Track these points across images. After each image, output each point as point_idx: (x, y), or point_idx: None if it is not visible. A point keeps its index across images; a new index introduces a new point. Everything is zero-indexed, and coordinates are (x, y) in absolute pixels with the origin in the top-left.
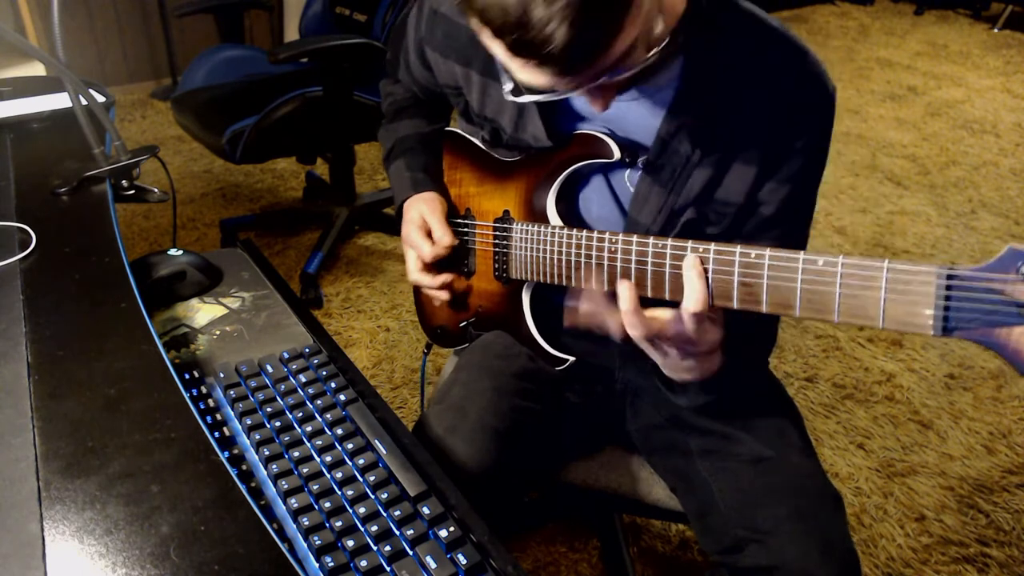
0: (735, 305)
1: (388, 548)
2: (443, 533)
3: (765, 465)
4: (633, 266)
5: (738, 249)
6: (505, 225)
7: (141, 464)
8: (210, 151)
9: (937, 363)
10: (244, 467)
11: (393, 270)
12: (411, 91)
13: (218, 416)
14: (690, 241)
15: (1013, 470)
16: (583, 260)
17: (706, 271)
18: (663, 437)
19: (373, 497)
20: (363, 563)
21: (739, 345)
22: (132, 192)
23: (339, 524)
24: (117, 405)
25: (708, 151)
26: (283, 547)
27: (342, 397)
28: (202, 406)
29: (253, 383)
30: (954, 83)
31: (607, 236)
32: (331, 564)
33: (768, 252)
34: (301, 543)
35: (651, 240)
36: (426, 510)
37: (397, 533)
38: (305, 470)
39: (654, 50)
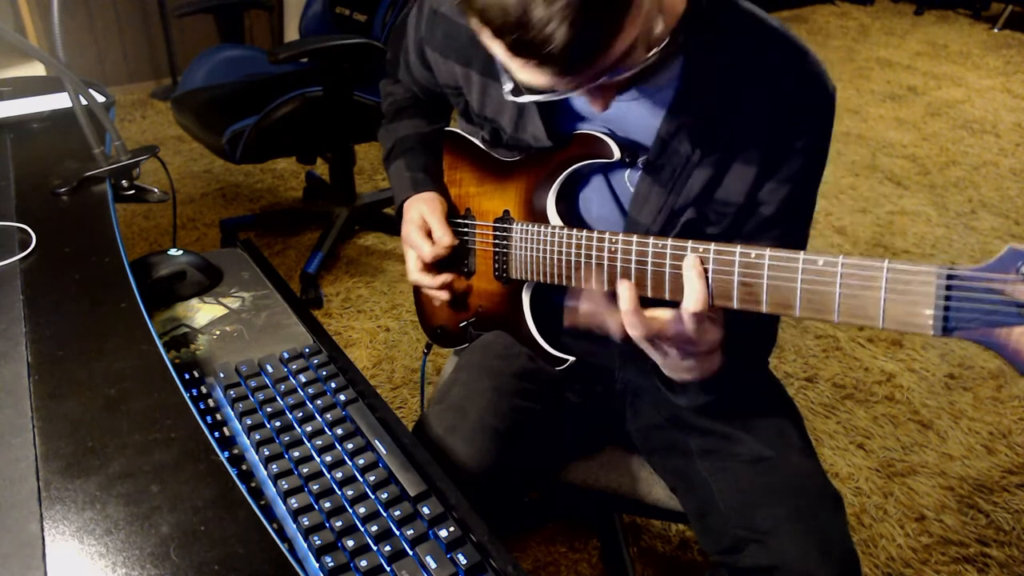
0: (735, 305)
1: (388, 548)
2: (443, 533)
3: (765, 465)
4: (633, 266)
5: (738, 249)
6: (505, 225)
7: (141, 464)
8: (210, 151)
9: (937, 363)
10: (244, 467)
11: (393, 270)
12: (411, 91)
13: (218, 416)
14: (690, 241)
15: (1013, 470)
16: (583, 260)
17: (706, 271)
18: (663, 437)
19: (373, 497)
20: (363, 563)
21: (739, 345)
22: (132, 192)
23: (339, 524)
24: (117, 405)
25: (708, 151)
26: (283, 547)
27: (342, 397)
28: (202, 406)
29: (253, 383)
30: (954, 83)
31: (607, 236)
32: (331, 564)
33: (768, 252)
34: (301, 543)
35: (651, 240)
36: (426, 510)
37: (397, 533)
38: (305, 470)
39: (654, 50)
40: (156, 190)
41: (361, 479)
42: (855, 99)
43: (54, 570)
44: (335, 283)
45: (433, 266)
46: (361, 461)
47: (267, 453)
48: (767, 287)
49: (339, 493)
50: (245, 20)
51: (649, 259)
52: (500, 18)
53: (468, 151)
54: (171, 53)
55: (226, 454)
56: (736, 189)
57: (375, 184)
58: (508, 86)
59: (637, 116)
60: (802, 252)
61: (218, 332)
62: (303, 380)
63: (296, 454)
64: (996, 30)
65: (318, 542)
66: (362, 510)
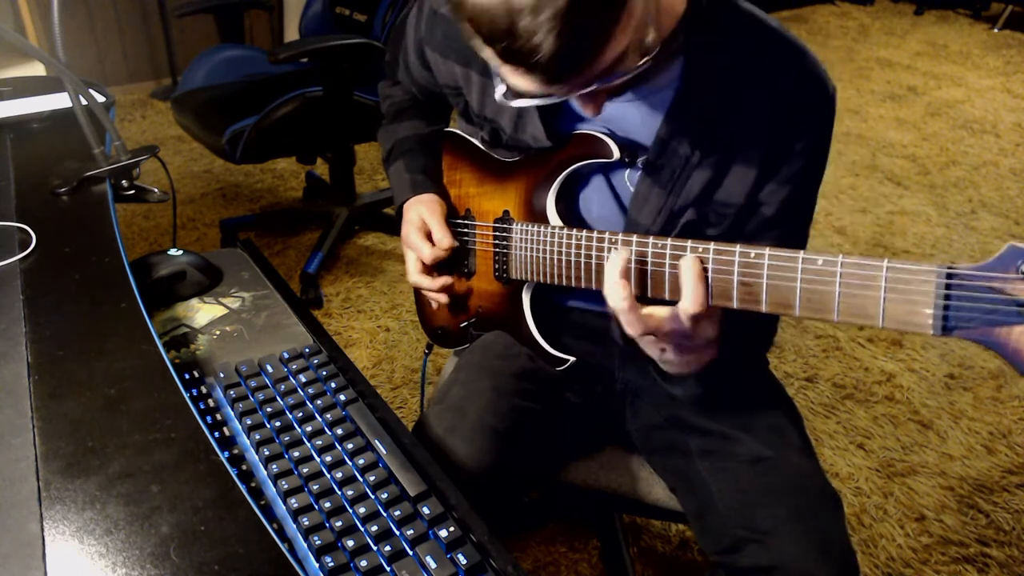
0: (735, 305)
1: (388, 548)
2: (443, 533)
3: (764, 465)
4: (633, 266)
5: (738, 249)
6: (505, 225)
7: (141, 464)
8: (210, 151)
9: (937, 363)
10: (244, 467)
11: (393, 270)
12: (410, 92)
13: (218, 416)
14: (689, 241)
15: (1013, 470)
16: (583, 260)
17: (705, 271)
18: (663, 437)
19: (373, 497)
20: (363, 563)
21: (737, 338)
22: (132, 192)
23: (339, 524)
24: (117, 405)
25: (708, 152)
26: (283, 547)
27: (342, 397)
28: (202, 406)
29: (253, 383)
30: (954, 83)
31: (607, 236)
32: (331, 564)
33: (768, 252)
34: (301, 543)
35: (651, 240)
36: (426, 510)
37: (397, 533)
38: (305, 470)
39: (647, 57)
40: (156, 190)
41: (361, 479)
42: (855, 99)
43: (54, 570)
44: (335, 283)
45: (433, 268)
46: (361, 461)
47: (267, 453)
48: (767, 287)
49: (339, 493)
50: (245, 20)
51: (649, 259)
52: (488, 27)
53: (468, 151)
54: (171, 53)
55: (226, 454)
56: (736, 190)
57: (375, 184)
58: (501, 89)
59: (637, 116)
60: (801, 252)
61: (218, 332)
62: (303, 380)
63: (296, 454)
64: (996, 30)
65: (318, 542)
66: (362, 510)
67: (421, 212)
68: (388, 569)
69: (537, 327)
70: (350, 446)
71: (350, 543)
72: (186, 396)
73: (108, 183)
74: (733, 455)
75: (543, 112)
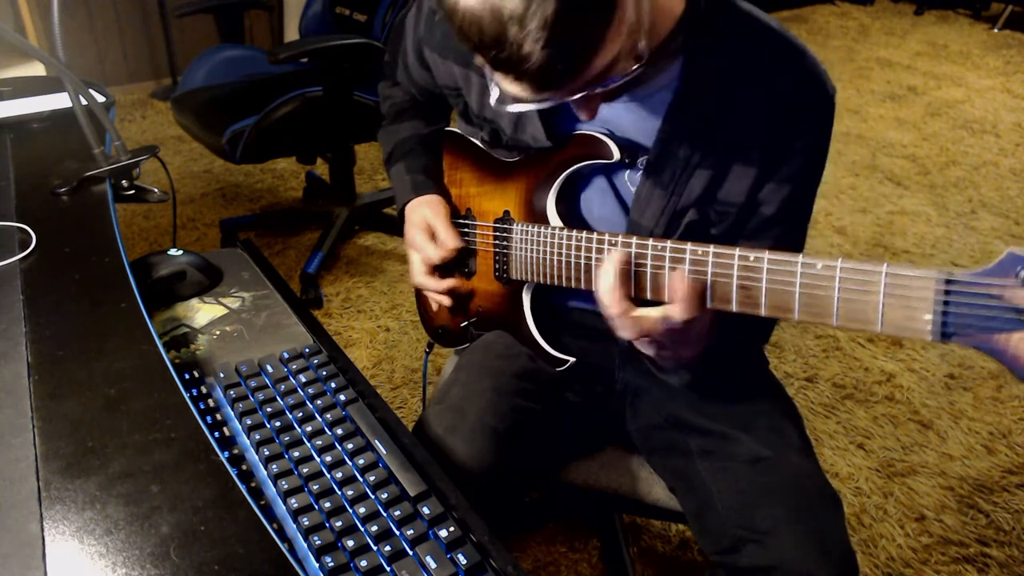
0: (734, 308)
1: (388, 548)
2: (443, 533)
3: (764, 465)
4: (632, 268)
5: (737, 252)
6: (505, 226)
7: (141, 464)
8: (210, 151)
9: (937, 363)
10: (244, 467)
11: (393, 270)
12: (409, 93)
13: (218, 416)
14: (689, 244)
15: (1013, 470)
16: (582, 261)
17: (701, 282)
18: (663, 437)
19: (373, 497)
20: (363, 563)
21: (735, 326)
22: (132, 192)
23: (339, 524)
24: (117, 405)
25: (708, 152)
26: (283, 547)
27: (342, 397)
28: (202, 406)
29: (253, 383)
30: (954, 83)
31: (606, 237)
32: (331, 564)
33: (767, 255)
34: (301, 543)
35: (650, 242)
36: (426, 510)
37: (397, 533)
38: (305, 470)
39: (641, 61)
40: (156, 190)
41: (361, 479)
42: (855, 99)
43: (54, 570)
44: (335, 283)
45: (437, 269)
46: (361, 461)
47: (267, 453)
48: (766, 291)
49: (339, 493)
50: (245, 20)
51: (648, 261)
52: (477, 36)
53: (468, 151)
54: (171, 53)
55: (226, 454)
56: (737, 190)
57: (375, 184)
58: (495, 93)
59: (637, 117)
60: (800, 255)
61: (218, 332)
62: (303, 380)
63: (296, 454)
64: (996, 30)
65: (318, 542)
66: (362, 510)
67: (425, 213)
68: (388, 569)
69: (537, 327)
70: (350, 446)
71: (350, 543)
72: (186, 396)
73: (108, 183)
74: (733, 455)
75: (543, 112)
